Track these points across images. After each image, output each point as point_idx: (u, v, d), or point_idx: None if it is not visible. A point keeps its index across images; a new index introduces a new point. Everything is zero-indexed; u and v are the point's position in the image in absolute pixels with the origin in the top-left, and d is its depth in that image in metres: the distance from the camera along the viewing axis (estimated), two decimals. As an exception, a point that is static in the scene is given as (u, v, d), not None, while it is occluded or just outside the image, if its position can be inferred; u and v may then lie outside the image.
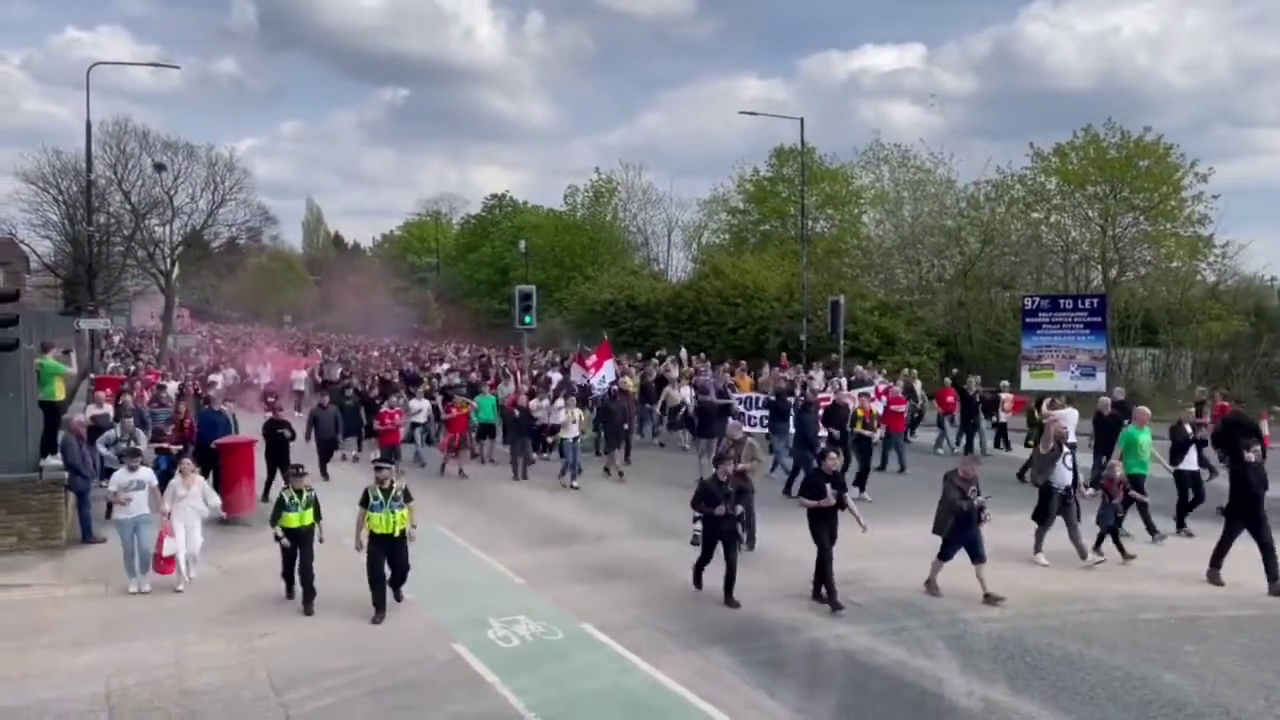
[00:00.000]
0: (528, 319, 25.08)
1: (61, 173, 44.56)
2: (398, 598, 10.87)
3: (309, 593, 10.86)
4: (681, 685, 8.77)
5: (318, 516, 11.15)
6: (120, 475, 11.92)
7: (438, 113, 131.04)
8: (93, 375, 24.82)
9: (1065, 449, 12.88)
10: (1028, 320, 27.82)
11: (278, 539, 10.92)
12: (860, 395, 18.59)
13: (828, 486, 10.90)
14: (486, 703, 8.45)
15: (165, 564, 11.41)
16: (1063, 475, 12.71)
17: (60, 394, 15.09)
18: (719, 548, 11.01)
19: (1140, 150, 32.56)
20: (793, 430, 18.09)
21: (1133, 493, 13.26)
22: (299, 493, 11.10)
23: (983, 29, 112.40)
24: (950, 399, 21.99)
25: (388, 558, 10.58)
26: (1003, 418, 21.60)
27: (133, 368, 30.89)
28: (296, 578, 10.98)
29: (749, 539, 13.01)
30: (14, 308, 13.24)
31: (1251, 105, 79.67)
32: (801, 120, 35.23)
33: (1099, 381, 26.30)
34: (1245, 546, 11.69)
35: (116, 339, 48.89)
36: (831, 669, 9.20)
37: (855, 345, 31.74)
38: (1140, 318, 31.41)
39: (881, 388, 20.81)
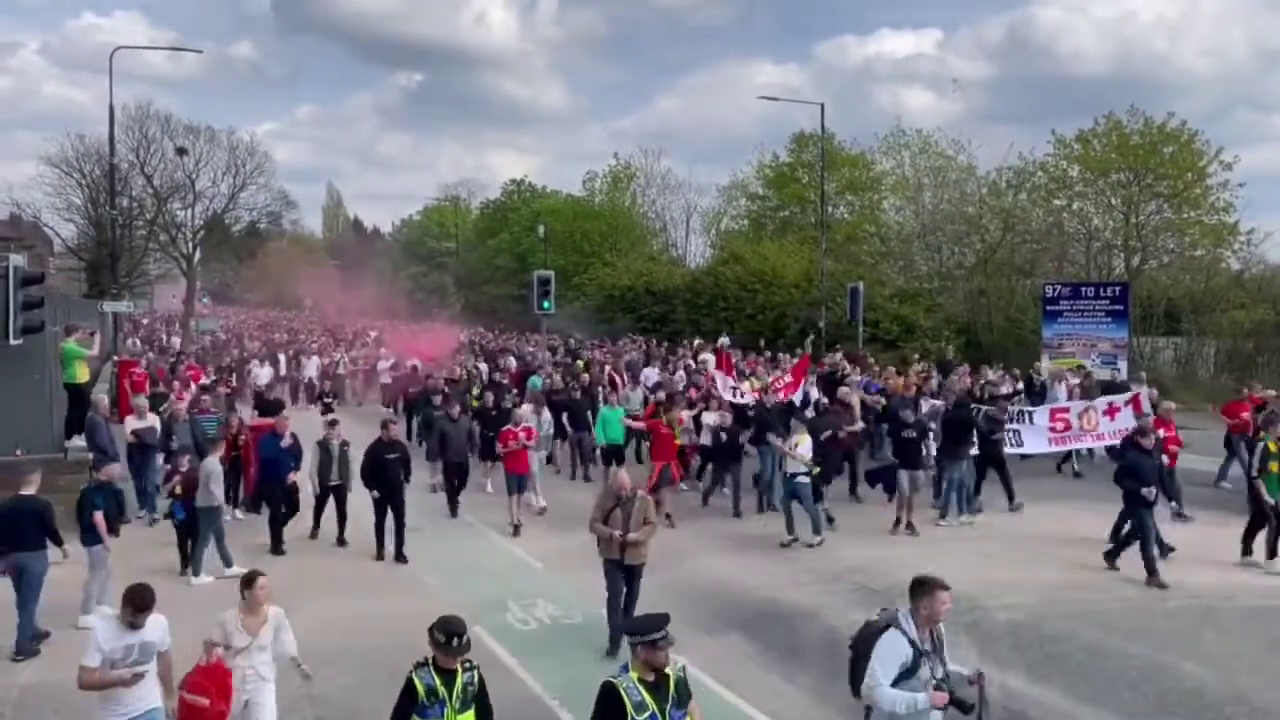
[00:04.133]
0: (546, 304, 25.06)
1: (84, 157, 45.03)
2: None
3: None
4: (700, 670, 8.79)
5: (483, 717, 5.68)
6: (105, 633, 6.41)
7: (453, 97, 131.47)
8: (115, 358, 24.99)
9: None
10: (1049, 308, 27.72)
11: None
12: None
13: None
14: (504, 684, 8.48)
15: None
16: None
17: (83, 376, 15.23)
18: None
19: (1164, 137, 32.21)
20: (1113, 445, 14.74)
21: None
22: (448, 676, 5.52)
23: (999, 14, 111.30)
24: (1245, 415, 16.06)
25: None
26: None
27: (170, 362, 27.23)
28: None
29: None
30: (38, 290, 13.37)
31: (1273, 90, 78.24)
32: (822, 106, 35.38)
33: (1121, 370, 26.14)
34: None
35: (145, 321, 48.48)
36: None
37: (874, 332, 31.62)
38: (1163, 306, 31.11)
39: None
